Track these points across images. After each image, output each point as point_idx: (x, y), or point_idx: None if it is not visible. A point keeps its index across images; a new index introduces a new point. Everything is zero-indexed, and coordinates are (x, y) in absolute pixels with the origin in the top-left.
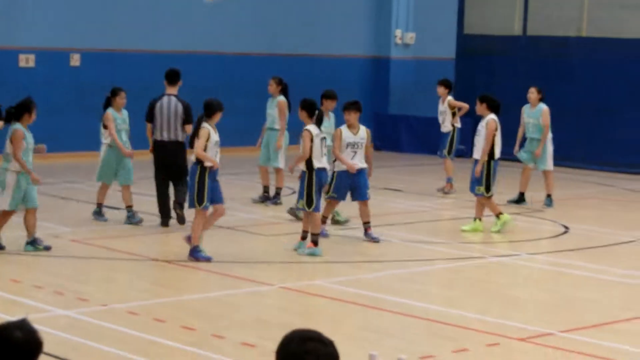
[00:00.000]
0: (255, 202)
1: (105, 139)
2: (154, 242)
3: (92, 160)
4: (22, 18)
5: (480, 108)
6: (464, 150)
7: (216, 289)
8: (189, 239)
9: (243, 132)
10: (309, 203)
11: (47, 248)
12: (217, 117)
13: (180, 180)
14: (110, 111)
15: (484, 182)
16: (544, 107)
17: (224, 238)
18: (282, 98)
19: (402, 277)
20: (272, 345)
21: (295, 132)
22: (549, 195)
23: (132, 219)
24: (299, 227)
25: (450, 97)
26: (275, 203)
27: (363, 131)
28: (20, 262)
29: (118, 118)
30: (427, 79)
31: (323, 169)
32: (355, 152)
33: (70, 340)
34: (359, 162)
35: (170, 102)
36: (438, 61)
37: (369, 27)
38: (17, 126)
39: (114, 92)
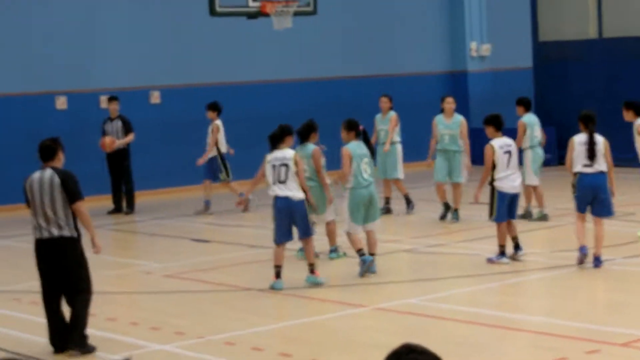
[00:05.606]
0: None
1: None
2: (244, 271)
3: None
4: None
5: (628, 115)
6: (550, 159)
7: (311, 315)
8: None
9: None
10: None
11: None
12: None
13: None
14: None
15: None
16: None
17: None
18: (393, 113)
19: (496, 289)
20: None
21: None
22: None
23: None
24: (382, 248)
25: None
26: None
27: None
28: (114, 301)
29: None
30: (505, 89)
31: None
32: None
33: None
34: None
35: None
36: (515, 71)
37: (443, 42)
38: (312, 146)
39: None
